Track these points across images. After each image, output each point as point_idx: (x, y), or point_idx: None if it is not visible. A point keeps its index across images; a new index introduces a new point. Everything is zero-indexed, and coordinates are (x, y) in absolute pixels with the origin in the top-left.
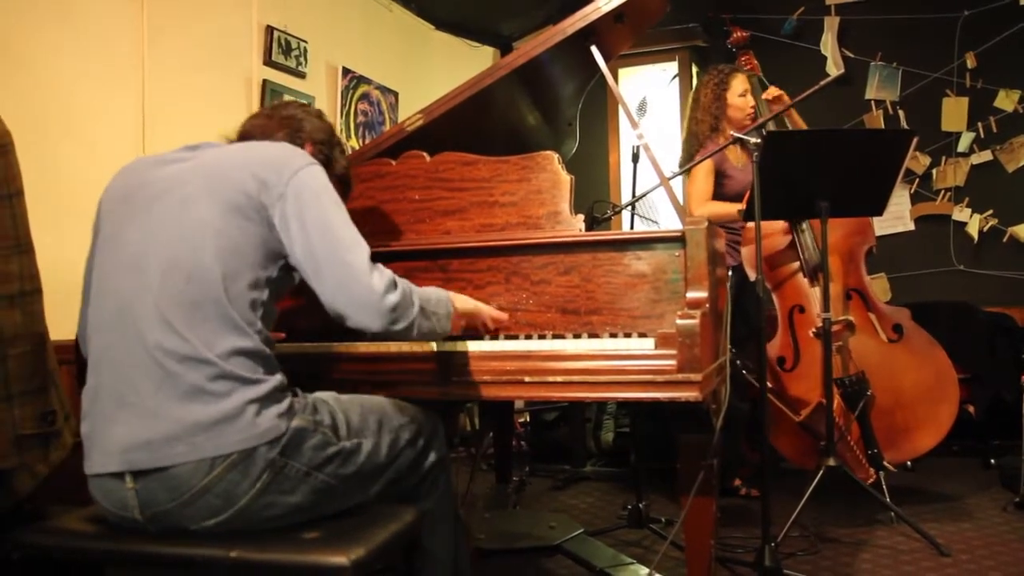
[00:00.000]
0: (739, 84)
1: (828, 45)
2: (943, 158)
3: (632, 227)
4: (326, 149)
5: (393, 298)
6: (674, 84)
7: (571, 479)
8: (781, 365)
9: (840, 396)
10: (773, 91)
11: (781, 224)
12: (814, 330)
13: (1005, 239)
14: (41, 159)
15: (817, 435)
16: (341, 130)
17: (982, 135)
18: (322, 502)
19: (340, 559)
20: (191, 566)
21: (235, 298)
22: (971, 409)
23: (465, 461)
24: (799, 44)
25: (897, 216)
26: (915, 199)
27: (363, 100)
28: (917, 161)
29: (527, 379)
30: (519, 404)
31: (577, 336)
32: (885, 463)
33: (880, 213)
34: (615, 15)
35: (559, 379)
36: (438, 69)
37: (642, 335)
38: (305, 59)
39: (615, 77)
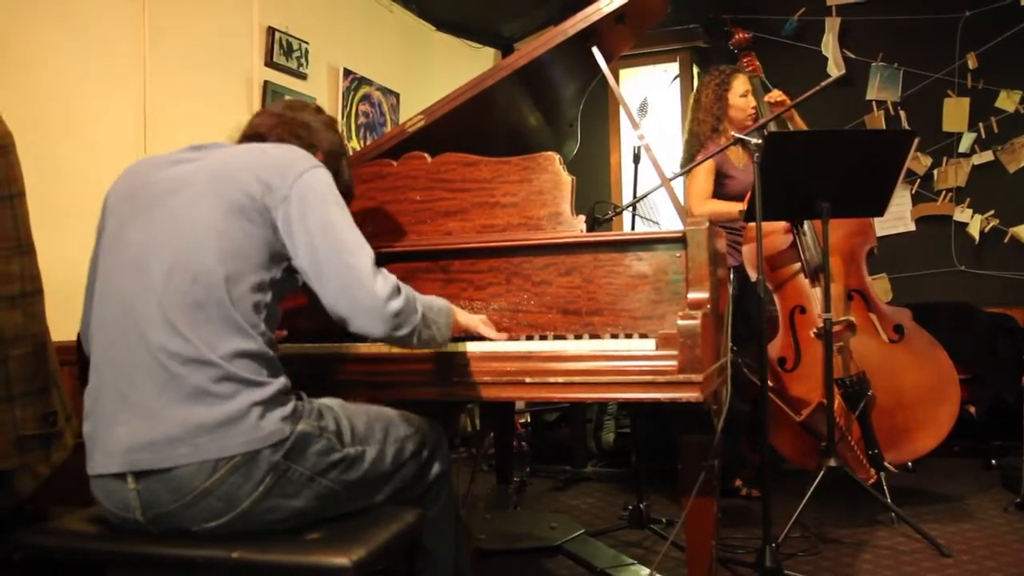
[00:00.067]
0: (740, 85)
1: (829, 46)
2: (944, 159)
3: (633, 228)
4: (334, 162)
5: (396, 304)
6: (675, 85)
7: (572, 480)
8: (782, 365)
9: (841, 396)
10: (776, 95)
11: (782, 224)
12: (815, 330)
13: (1006, 240)
14: (41, 159)
15: (818, 435)
16: (342, 131)
17: (983, 136)
18: (325, 507)
19: (341, 560)
20: (193, 567)
21: (238, 300)
22: (972, 410)
23: (466, 462)
24: (800, 45)
25: (898, 216)
26: (916, 200)
27: (364, 101)
28: (918, 162)
29: (528, 380)
30: (520, 405)
31: (578, 337)
32: (886, 464)
33: (881, 214)
34: (616, 16)
35: (560, 380)
36: (439, 70)
37: (643, 336)
38: (306, 60)
39: (616, 78)
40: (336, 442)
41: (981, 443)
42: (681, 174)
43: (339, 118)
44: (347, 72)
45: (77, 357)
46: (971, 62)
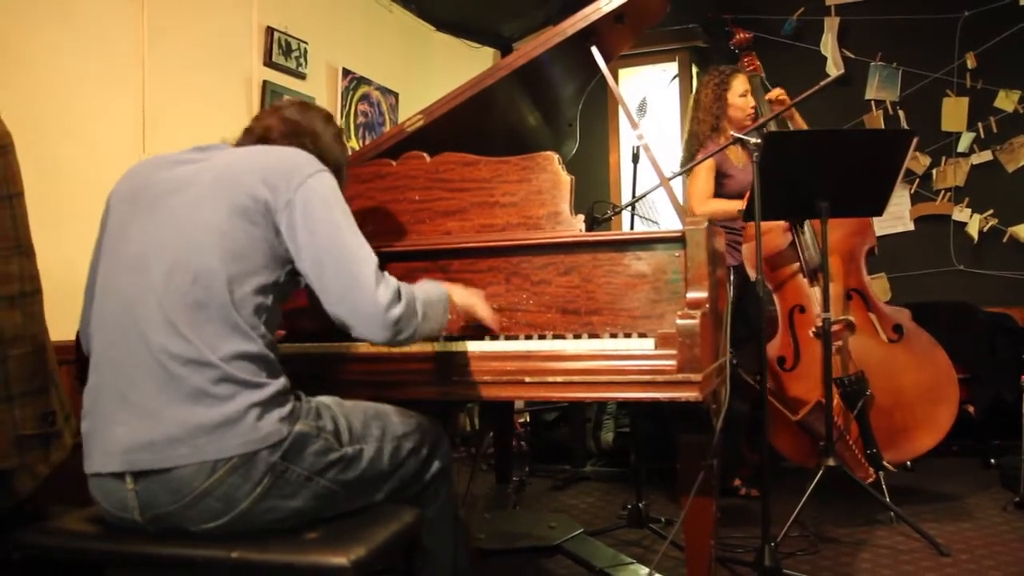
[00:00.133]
0: (740, 84)
1: (828, 45)
2: (943, 158)
3: (632, 227)
4: (336, 175)
5: (397, 311)
6: (674, 85)
7: (571, 479)
8: (781, 365)
9: (839, 396)
10: (777, 92)
11: (781, 223)
12: (814, 330)
13: (1005, 239)
14: (41, 159)
15: (815, 435)
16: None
17: (982, 135)
18: (323, 507)
19: (340, 559)
20: (192, 567)
21: (240, 302)
22: (971, 409)
23: (465, 461)
24: (799, 44)
25: (897, 216)
26: (915, 199)
27: (363, 101)
28: (917, 161)
29: (527, 379)
30: (519, 404)
31: (577, 336)
32: (885, 463)
33: (880, 213)
34: (615, 16)
35: (559, 379)
36: (438, 70)
37: (642, 335)
38: (305, 60)
39: (615, 77)
40: (334, 442)
41: (980, 442)
42: (680, 173)
43: (338, 118)
44: (346, 72)
45: (76, 356)
46: (970, 62)
